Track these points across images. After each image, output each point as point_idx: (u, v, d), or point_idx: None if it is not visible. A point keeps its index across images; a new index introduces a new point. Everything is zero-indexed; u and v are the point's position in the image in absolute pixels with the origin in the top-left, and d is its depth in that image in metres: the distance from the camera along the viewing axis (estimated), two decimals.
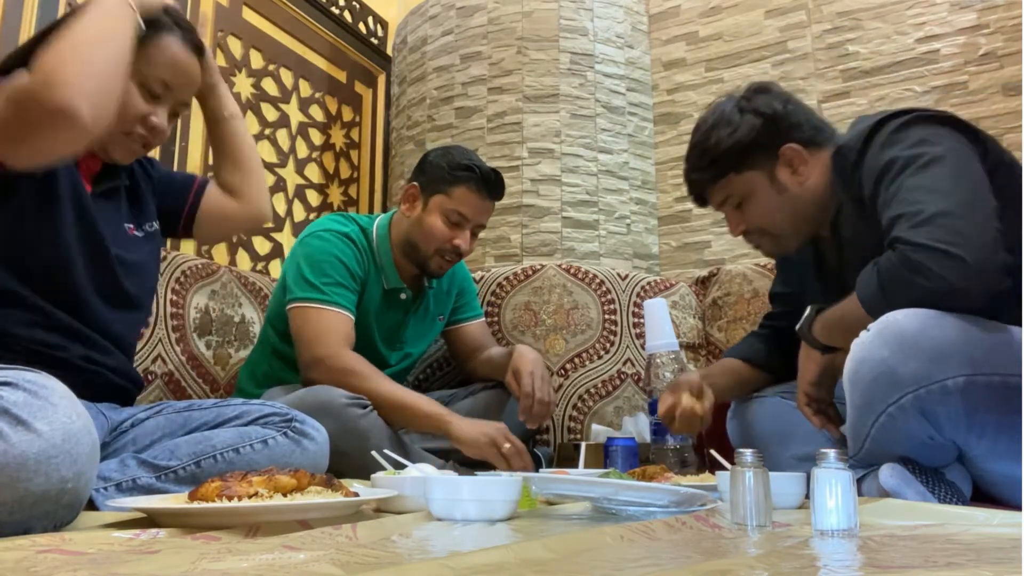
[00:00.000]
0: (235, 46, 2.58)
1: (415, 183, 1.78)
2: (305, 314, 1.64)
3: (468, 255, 1.81)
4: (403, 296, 1.80)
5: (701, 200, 1.44)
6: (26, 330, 1.13)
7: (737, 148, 1.33)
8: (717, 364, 1.59)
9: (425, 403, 1.58)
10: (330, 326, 1.62)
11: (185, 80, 1.24)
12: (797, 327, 1.33)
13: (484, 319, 2.04)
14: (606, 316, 2.18)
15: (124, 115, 1.16)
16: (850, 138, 1.27)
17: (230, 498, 0.79)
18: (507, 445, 1.46)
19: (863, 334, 1.08)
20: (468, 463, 1.63)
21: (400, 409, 1.56)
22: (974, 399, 0.99)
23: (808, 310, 1.31)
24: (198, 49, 1.24)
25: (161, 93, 1.20)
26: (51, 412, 0.77)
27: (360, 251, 1.74)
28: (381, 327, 1.79)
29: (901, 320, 1.04)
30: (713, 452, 1.26)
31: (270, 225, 2.67)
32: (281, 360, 1.75)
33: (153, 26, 1.16)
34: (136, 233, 1.30)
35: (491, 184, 1.73)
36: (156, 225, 1.36)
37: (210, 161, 1.48)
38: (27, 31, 1.91)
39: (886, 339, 1.04)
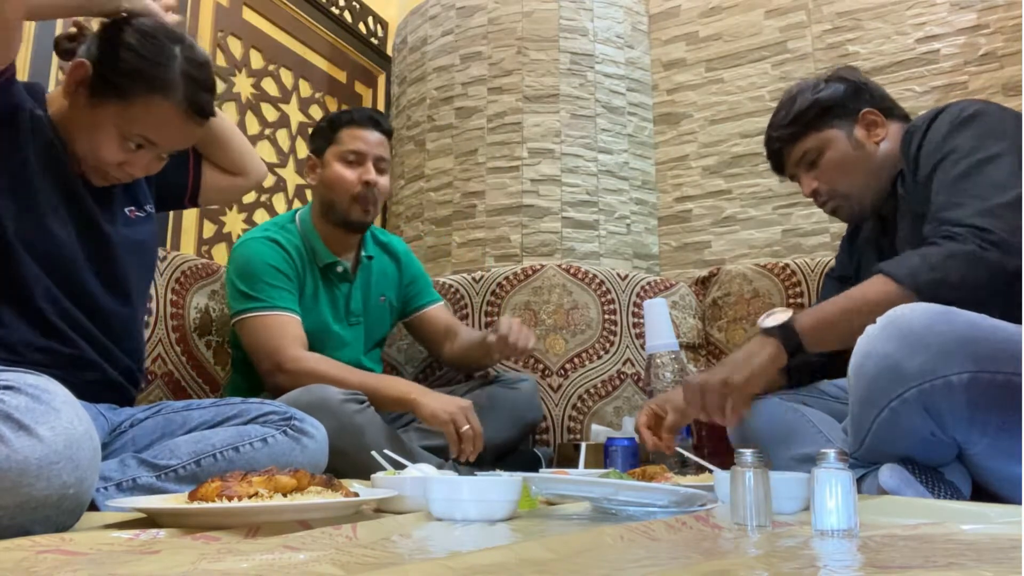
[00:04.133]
0: (235, 46, 2.58)
1: (310, 155, 1.82)
2: (251, 324, 1.64)
3: (385, 193, 1.81)
4: (340, 269, 1.80)
5: (778, 164, 1.49)
6: (32, 331, 1.14)
7: (819, 106, 1.41)
8: None
9: (391, 383, 1.60)
10: (279, 331, 1.62)
11: (172, 142, 1.20)
12: (772, 325, 1.22)
13: (444, 303, 2.05)
14: (606, 316, 2.18)
15: (97, 156, 1.16)
16: (915, 121, 1.34)
17: (230, 498, 0.79)
18: (466, 426, 1.47)
19: (869, 328, 1.08)
20: (468, 463, 1.63)
21: (367, 394, 1.55)
22: (978, 396, 0.99)
23: (772, 312, 1.30)
24: (201, 111, 1.18)
25: (143, 144, 1.17)
26: (53, 417, 0.77)
27: (285, 249, 1.73)
28: (330, 306, 1.79)
29: (908, 315, 1.04)
30: (682, 451, 1.26)
31: None
32: (254, 370, 1.73)
33: (146, 85, 1.12)
34: (138, 214, 1.32)
35: (368, 118, 1.78)
36: (152, 207, 1.37)
37: None
38: (29, 33, 1.90)
39: (892, 334, 1.04)
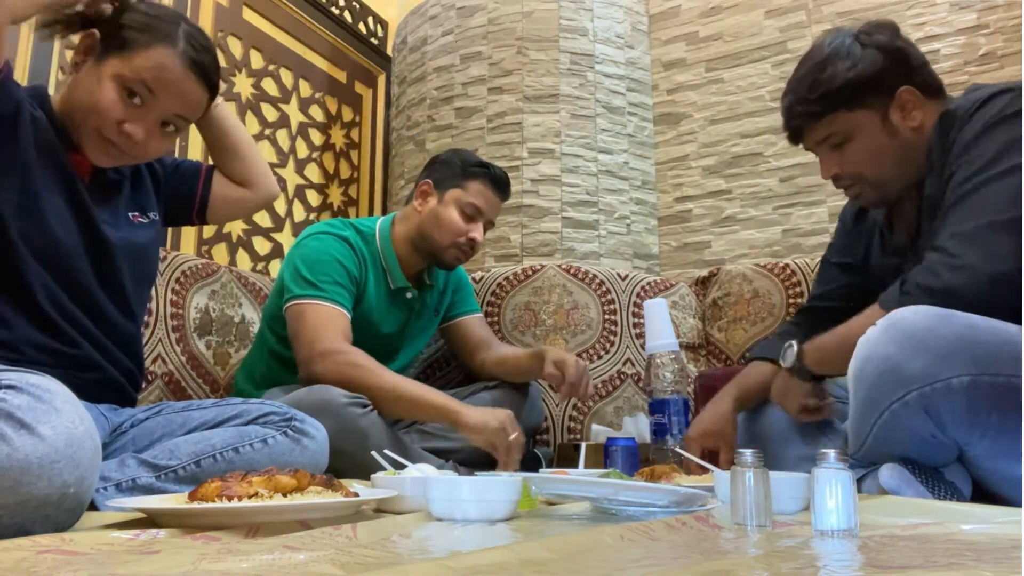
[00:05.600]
0: (235, 46, 2.58)
1: (428, 180, 1.82)
2: (303, 311, 1.64)
3: (480, 247, 1.85)
4: (409, 295, 1.82)
5: (796, 137, 1.34)
6: (35, 330, 1.14)
7: (854, 84, 1.24)
8: (751, 375, 1.49)
9: (432, 393, 1.57)
10: (329, 322, 1.62)
11: (172, 95, 1.19)
12: (786, 364, 1.32)
13: (482, 315, 2.04)
14: (606, 316, 2.18)
15: (96, 110, 1.15)
16: (959, 105, 1.21)
17: (230, 498, 0.79)
18: (515, 434, 1.46)
19: (870, 330, 1.07)
20: (468, 463, 1.63)
21: (407, 400, 1.54)
22: (978, 399, 0.99)
23: (789, 346, 1.32)
24: (204, 73, 1.20)
25: (142, 95, 1.15)
26: (55, 416, 0.77)
27: (357, 254, 1.75)
28: (386, 328, 1.80)
29: (909, 317, 1.03)
30: (682, 451, 1.27)
31: (270, 225, 2.68)
32: (279, 362, 1.75)
33: (151, 35, 1.15)
34: (141, 219, 1.32)
35: (502, 183, 1.82)
36: (157, 215, 1.37)
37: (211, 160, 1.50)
38: (27, 32, 1.90)
39: (892, 336, 1.04)
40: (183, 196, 1.44)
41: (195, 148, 2.35)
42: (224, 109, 1.45)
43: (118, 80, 1.15)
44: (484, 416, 1.48)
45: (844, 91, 1.25)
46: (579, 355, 2.13)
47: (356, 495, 0.88)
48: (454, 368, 2.11)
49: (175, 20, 1.19)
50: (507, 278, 2.21)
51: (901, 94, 1.24)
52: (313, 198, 2.88)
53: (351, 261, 1.72)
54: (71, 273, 1.19)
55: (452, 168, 1.80)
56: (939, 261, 1.10)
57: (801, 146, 1.36)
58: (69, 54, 1.20)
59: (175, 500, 0.85)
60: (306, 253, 1.70)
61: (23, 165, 1.13)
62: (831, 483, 0.73)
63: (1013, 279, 1.04)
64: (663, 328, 1.58)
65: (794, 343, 1.32)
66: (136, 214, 1.31)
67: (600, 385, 2.11)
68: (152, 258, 1.38)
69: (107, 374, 1.24)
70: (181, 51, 1.17)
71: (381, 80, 3.23)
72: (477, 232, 1.78)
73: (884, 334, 1.05)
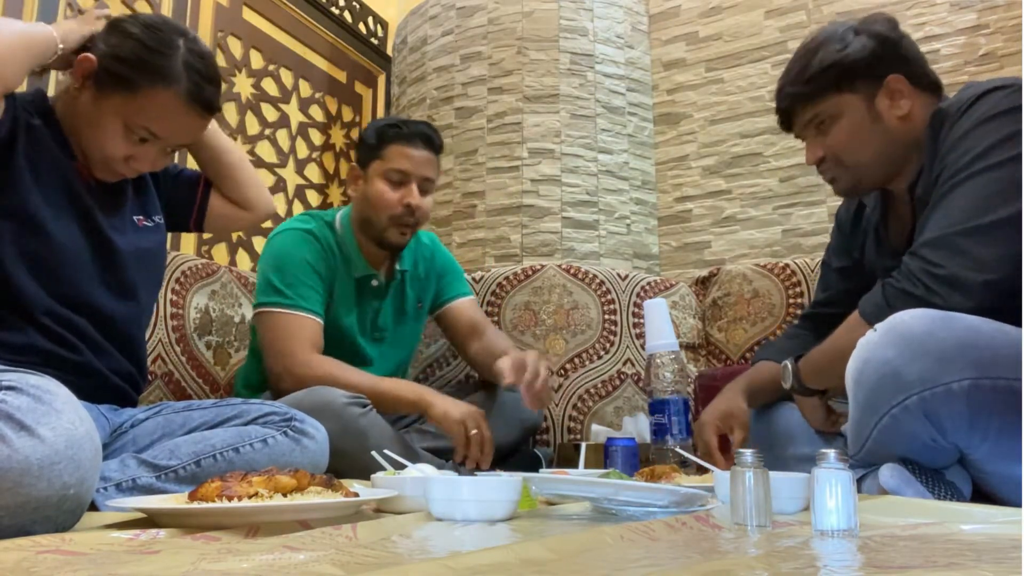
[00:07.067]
0: (235, 46, 2.58)
1: (354, 164, 1.77)
2: (270, 320, 1.62)
3: (427, 215, 1.77)
4: (375, 283, 1.77)
5: (787, 121, 1.36)
6: (37, 335, 1.14)
7: (842, 66, 1.26)
8: (760, 373, 1.49)
9: (406, 387, 1.58)
10: (295, 332, 1.60)
11: (175, 134, 1.21)
12: (785, 384, 1.33)
13: (474, 298, 1.99)
14: (606, 316, 2.18)
15: (103, 149, 1.17)
16: (951, 103, 1.21)
17: (230, 498, 0.79)
18: (475, 431, 1.46)
19: (869, 333, 1.07)
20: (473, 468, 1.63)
21: (379, 397, 1.55)
22: (979, 402, 0.98)
23: (785, 366, 1.33)
24: (207, 105, 1.19)
25: (148, 138, 1.18)
26: (55, 418, 0.77)
27: (324, 247, 1.71)
28: (358, 319, 1.77)
29: (908, 321, 1.03)
30: (682, 451, 1.27)
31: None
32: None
33: (150, 75, 1.13)
34: (146, 223, 1.33)
35: (420, 135, 1.71)
36: (161, 218, 1.38)
37: None
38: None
39: (892, 340, 1.03)
40: (182, 205, 1.45)
41: None
42: (219, 131, 1.45)
43: (122, 123, 1.15)
44: (449, 408, 1.50)
45: (832, 72, 1.27)
46: (579, 355, 2.13)
47: (356, 495, 0.88)
48: (455, 368, 2.11)
49: (172, 45, 1.15)
50: (507, 278, 2.21)
51: (890, 82, 1.25)
52: (313, 198, 2.88)
53: (318, 256, 1.68)
54: (74, 280, 1.18)
55: (368, 143, 1.73)
56: (920, 269, 1.10)
57: (792, 135, 1.38)
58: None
59: (175, 500, 0.85)
60: (274, 253, 1.68)
61: (19, 177, 1.13)
62: (831, 483, 0.73)
63: (1001, 285, 1.04)
64: (663, 328, 1.58)
65: (789, 363, 1.33)
66: (141, 218, 1.32)
67: (600, 385, 2.11)
68: (160, 261, 1.39)
69: (109, 380, 1.24)
70: (182, 89, 1.16)
71: (381, 80, 3.23)
72: (411, 196, 1.67)
73: (884, 337, 1.05)
